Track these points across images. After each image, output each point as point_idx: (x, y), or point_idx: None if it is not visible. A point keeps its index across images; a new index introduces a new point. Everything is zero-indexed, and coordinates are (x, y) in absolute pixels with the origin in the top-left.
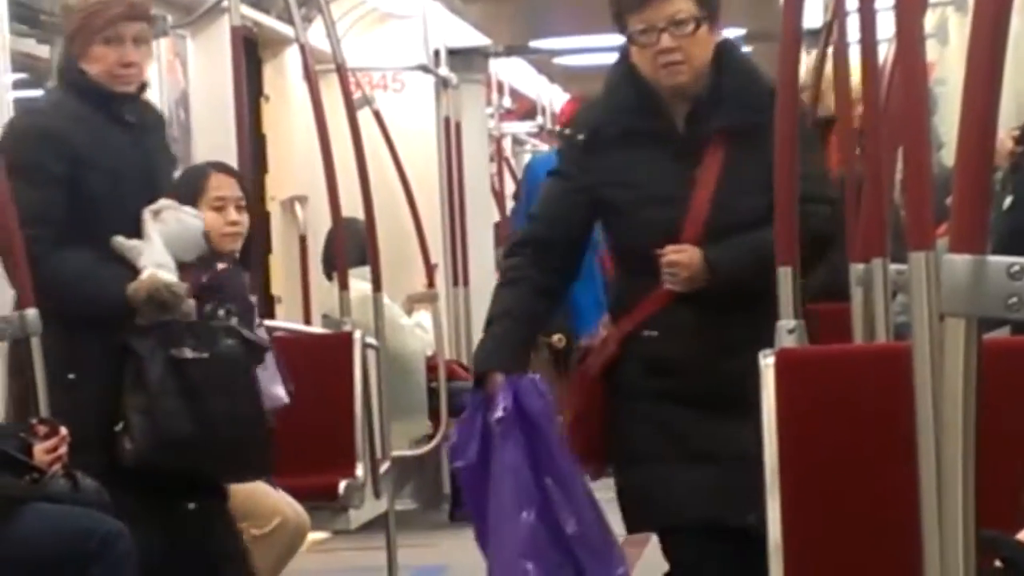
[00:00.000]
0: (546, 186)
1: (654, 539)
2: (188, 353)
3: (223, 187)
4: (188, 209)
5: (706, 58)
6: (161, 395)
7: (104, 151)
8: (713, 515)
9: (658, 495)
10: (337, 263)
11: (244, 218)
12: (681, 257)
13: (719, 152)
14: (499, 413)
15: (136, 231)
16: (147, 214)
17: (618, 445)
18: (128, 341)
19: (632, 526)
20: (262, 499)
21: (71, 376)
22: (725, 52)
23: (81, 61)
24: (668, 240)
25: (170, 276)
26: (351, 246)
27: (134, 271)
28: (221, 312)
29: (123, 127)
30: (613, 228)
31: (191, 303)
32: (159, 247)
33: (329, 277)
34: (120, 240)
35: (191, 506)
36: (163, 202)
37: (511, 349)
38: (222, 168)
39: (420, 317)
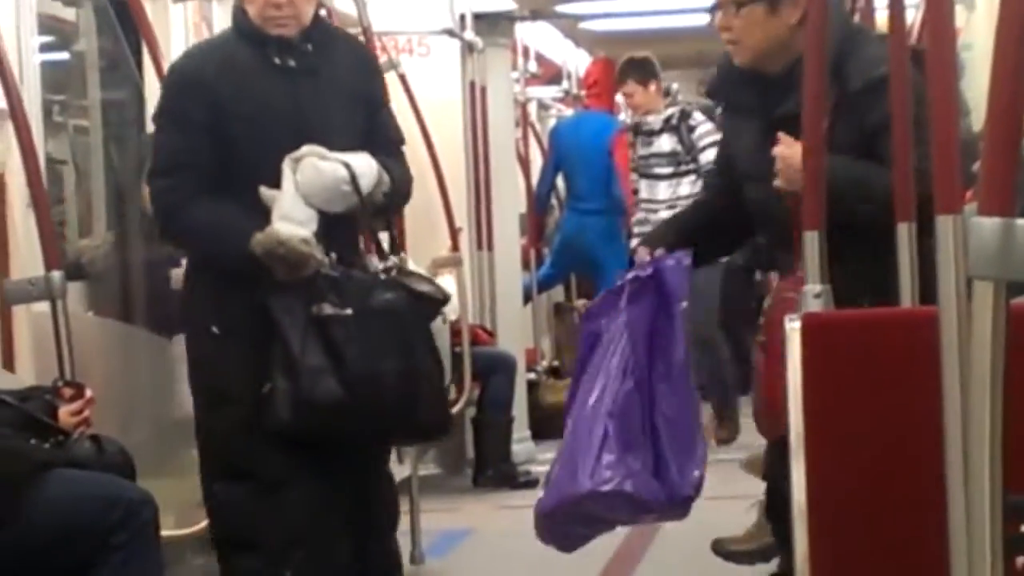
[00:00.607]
0: None
1: None
2: (328, 309)
3: None
4: (335, 155)
5: (762, 39)
6: (301, 356)
7: (248, 96)
8: None
9: None
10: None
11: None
12: (786, 151)
13: None
14: (632, 274)
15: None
16: (287, 162)
17: None
18: (267, 299)
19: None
20: None
21: (215, 330)
22: None
23: (244, 2)
24: (763, 218)
25: (294, 229)
26: None
27: None
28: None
29: (278, 71)
30: None
31: (322, 258)
32: (290, 198)
33: None
34: (263, 190)
35: (347, 470)
36: (305, 148)
37: (665, 235)
38: None
39: (443, 281)
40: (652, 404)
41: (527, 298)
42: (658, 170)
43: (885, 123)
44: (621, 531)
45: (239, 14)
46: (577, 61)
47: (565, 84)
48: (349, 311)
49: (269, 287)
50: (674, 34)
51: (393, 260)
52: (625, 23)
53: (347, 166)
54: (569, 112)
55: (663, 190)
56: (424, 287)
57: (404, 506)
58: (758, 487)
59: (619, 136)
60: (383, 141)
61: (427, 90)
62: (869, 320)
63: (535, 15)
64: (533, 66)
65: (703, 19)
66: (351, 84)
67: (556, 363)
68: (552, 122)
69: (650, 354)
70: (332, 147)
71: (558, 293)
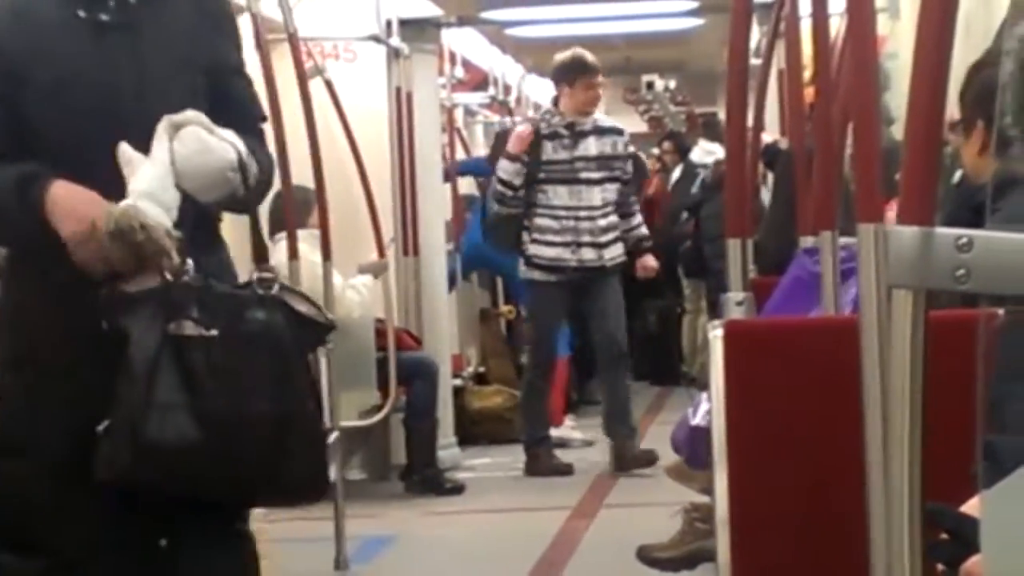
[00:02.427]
0: None
1: (602, 512)
2: (190, 329)
3: None
4: (226, 133)
5: None
6: (149, 386)
7: (45, 58)
8: None
9: None
10: (288, 233)
11: None
12: None
13: None
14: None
15: (100, 162)
16: (164, 125)
17: None
18: (115, 314)
19: None
20: None
21: (15, 354)
22: None
23: None
24: None
25: (160, 215)
26: (301, 212)
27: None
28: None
29: (85, 27)
30: None
31: (179, 260)
32: (159, 171)
33: (270, 237)
34: (124, 149)
35: (163, 543)
36: (190, 114)
37: None
38: None
39: (356, 280)
40: None
41: (452, 282)
42: (587, 175)
43: None
44: (546, 537)
45: None
46: (503, 67)
47: (491, 90)
48: (215, 332)
49: (117, 300)
50: (600, 41)
51: (268, 272)
52: (551, 30)
53: (236, 148)
54: (495, 119)
55: (596, 195)
56: (304, 307)
57: (328, 512)
58: (683, 494)
59: None
60: (239, 116)
61: (353, 96)
62: (791, 327)
63: (461, 21)
64: (459, 72)
65: (629, 27)
66: (188, 44)
67: (482, 369)
68: (478, 128)
69: None
70: (154, 121)
71: (484, 299)
